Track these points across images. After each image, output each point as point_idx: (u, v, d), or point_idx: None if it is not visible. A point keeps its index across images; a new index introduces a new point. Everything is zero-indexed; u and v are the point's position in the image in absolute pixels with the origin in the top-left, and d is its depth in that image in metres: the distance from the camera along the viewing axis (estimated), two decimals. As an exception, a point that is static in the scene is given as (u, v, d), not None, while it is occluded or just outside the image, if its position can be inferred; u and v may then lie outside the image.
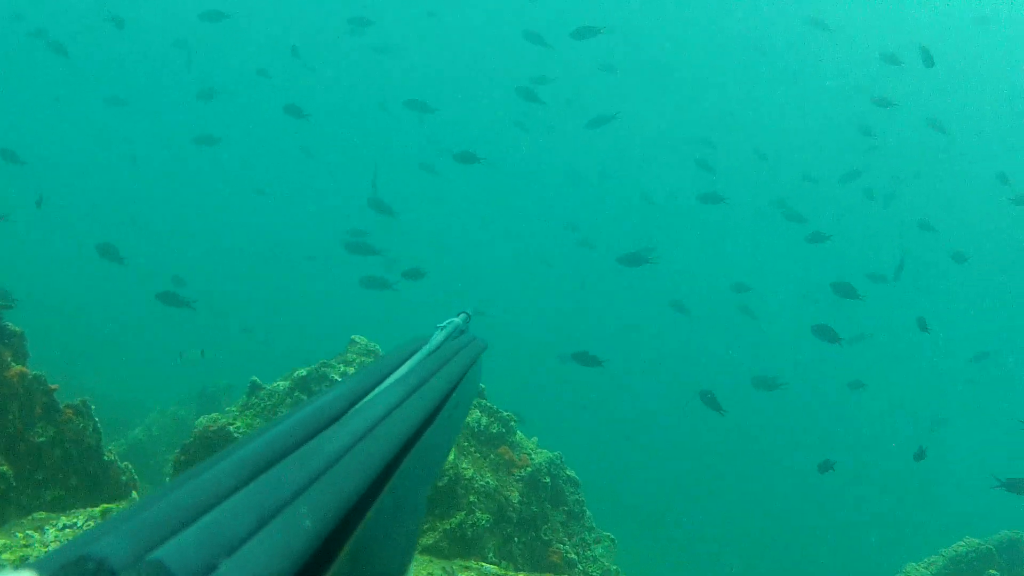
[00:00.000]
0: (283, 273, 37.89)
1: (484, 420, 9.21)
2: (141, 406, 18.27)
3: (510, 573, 6.42)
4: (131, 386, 20.31)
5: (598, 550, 9.21)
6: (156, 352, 21.61)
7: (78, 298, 29.50)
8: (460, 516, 7.70)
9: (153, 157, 39.62)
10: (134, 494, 6.94)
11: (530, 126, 33.49)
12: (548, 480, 8.67)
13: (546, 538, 8.54)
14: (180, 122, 34.60)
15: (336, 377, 8.89)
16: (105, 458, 7.02)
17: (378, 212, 17.66)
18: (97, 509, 5.61)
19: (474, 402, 9.40)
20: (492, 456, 8.63)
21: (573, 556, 8.59)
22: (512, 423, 9.00)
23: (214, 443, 8.54)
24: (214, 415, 8.93)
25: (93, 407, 7.02)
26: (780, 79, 46.62)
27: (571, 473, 9.35)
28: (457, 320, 1.63)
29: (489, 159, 15.76)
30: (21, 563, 0.77)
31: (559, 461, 9.07)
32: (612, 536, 9.67)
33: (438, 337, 1.44)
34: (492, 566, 6.64)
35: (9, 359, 6.41)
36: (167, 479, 8.51)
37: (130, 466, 7.56)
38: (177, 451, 8.64)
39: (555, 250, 37.56)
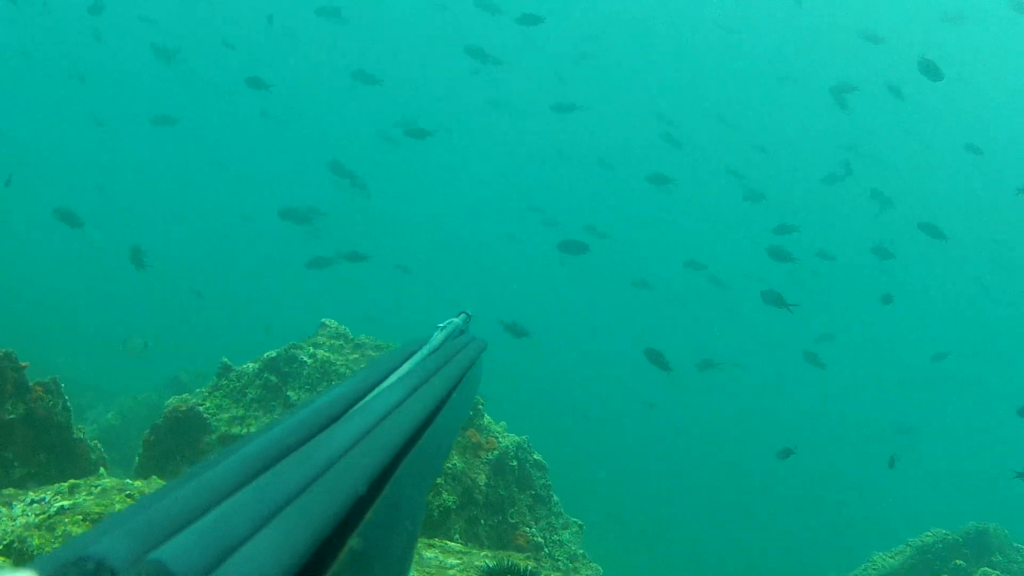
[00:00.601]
0: (251, 254, 37.87)
1: (456, 404, 9.37)
2: (113, 392, 18.33)
3: (474, 550, 6.60)
4: (103, 373, 20.33)
5: (565, 535, 9.34)
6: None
7: (46, 282, 29.38)
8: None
9: (117, 132, 39.31)
10: (102, 470, 7.07)
11: (499, 105, 33.58)
12: (515, 463, 8.74)
13: (513, 521, 8.63)
14: (143, 96, 34.57)
15: (306, 359, 9.00)
16: (75, 436, 7.06)
17: (338, 176, 17.86)
18: (65, 484, 5.66)
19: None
20: (459, 438, 8.77)
21: (540, 540, 8.69)
22: (480, 406, 9.13)
23: (184, 423, 8.66)
24: (184, 396, 9.03)
25: (63, 385, 7.13)
26: (752, 61, 46.69)
27: (538, 457, 9.41)
28: (457, 320, 1.65)
29: (447, 134, 15.86)
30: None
31: (526, 445, 9.17)
32: (580, 522, 9.83)
33: (438, 337, 1.45)
34: (456, 544, 6.82)
35: (-23, 338, 6.51)
36: (136, 459, 8.65)
37: (99, 445, 7.68)
38: (147, 431, 8.78)
39: (520, 228, 37.56)
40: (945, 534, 12.75)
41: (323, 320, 10.06)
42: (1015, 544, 12.75)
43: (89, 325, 26.52)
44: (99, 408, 17.37)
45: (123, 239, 24.40)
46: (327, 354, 9.17)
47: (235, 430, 8.63)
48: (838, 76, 24.17)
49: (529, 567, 6.34)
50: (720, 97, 41.51)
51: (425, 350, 1.33)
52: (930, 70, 15.35)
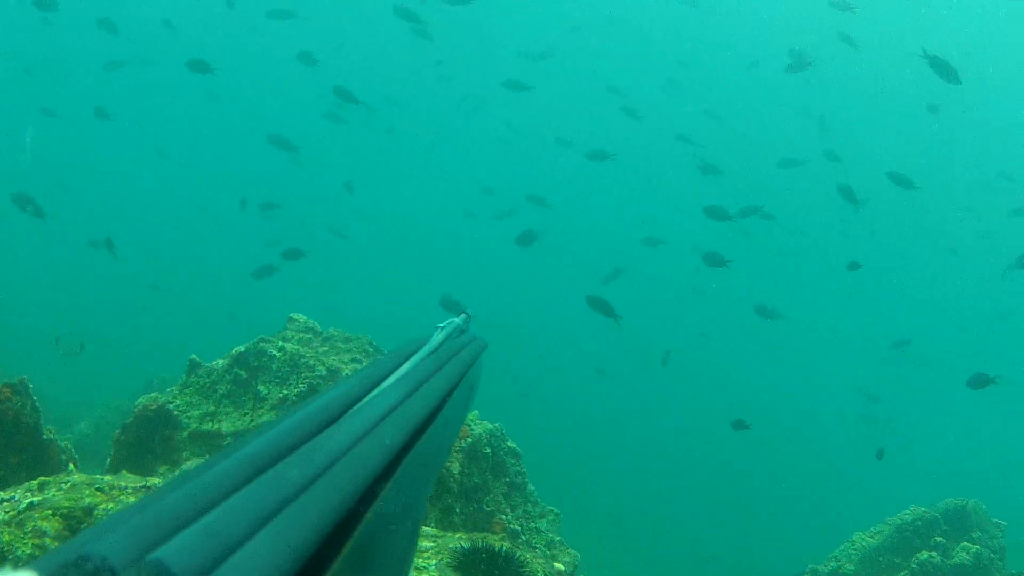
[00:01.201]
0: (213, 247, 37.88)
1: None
2: (88, 405, 18.27)
3: (448, 533, 6.68)
4: (77, 387, 20.25)
5: (543, 524, 9.40)
6: (101, 350, 21.60)
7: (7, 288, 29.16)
8: (400, 487, 7.89)
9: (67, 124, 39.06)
10: (72, 467, 7.12)
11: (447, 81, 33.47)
12: (489, 451, 8.74)
13: (488, 509, 8.66)
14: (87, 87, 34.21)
15: (275, 352, 9.03)
16: (44, 437, 7.11)
17: (279, 149, 17.83)
18: (34, 482, 5.71)
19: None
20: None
21: (516, 527, 8.71)
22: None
23: (154, 421, 8.67)
24: (154, 394, 9.01)
25: (30, 384, 7.16)
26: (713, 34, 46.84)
27: (512, 445, 9.43)
28: (457, 320, 1.66)
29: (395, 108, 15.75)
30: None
31: (499, 433, 9.19)
32: (556, 510, 9.91)
33: (438, 337, 1.46)
34: (431, 528, 6.90)
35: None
36: (108, 460, 8.69)
37: (70, 446, 7.74)
38: (117, 431, 8.80)
39: (476, 206, 37.70)
40: (924, 512, 12.86)
41: (291, 315, 10.12)
42: (994, 520, 12.91)
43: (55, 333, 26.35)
44: (76, 421, 17.33)
45: (80, 235, 24.28)
46: (296, 347, 9.20)
47: (206, 427, 8.67)
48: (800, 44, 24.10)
49: (504, 547, 6.42)
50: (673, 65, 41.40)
51: (425, 350, 1.34)
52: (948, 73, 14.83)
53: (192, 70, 17.78)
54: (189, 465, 8.17)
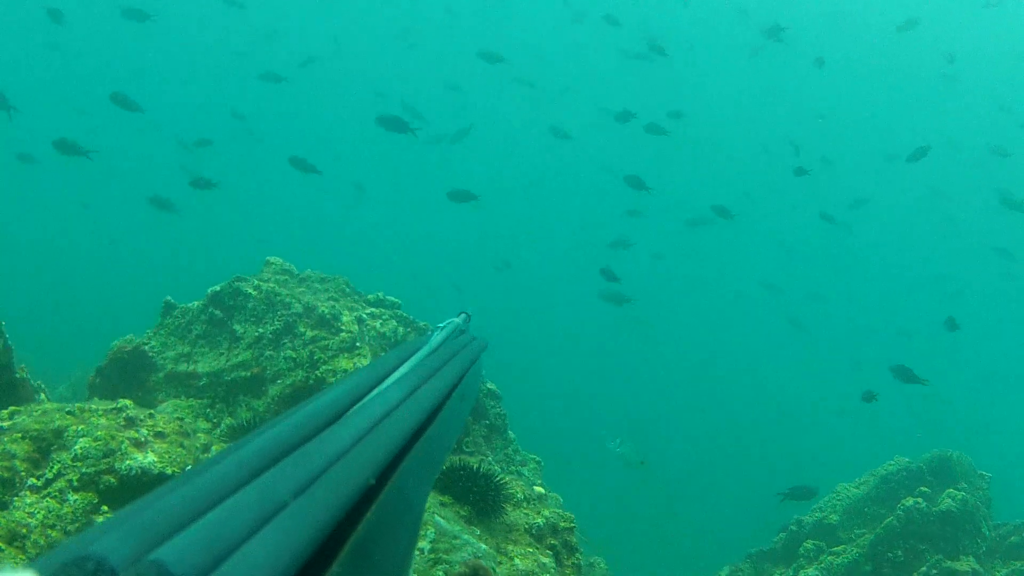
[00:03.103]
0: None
1: (401, 330, 9.49)
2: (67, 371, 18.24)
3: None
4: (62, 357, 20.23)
5: (524, 471, 9.49)
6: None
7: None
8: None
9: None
10: (43, 396, 7.17)
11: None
12: None
13: (468, 451, 8.76)
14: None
15: (250, 291, 9.02)
16: (17, 375, 7.14)
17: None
18: (5, 411, 5.78)
19: (385, 312, 9.70)
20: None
21: (496, 469, 8.90)
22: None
23: (129, 364, 8.68)
24: (129, 336, 9.02)
25: (3, 323, 7.16)
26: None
27: (492, 387, 9.52)
28: (457, 320, 1.68)
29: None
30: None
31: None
32: (538, 458, 10.01)
33: (438, 337, 1.48)
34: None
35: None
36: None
37: (43, 384, 7.78)
38: (92, 374, 8.81)
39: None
40: (908, 462, 12.99)
41: (268, 258, 10.12)
42: (979, 471, 13.03)
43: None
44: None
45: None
46: (273, 286, 9.21)
47: (182, 367, 8.68)
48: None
49: (483, 466, 6.51)
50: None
51: (425, 350, 1.35)
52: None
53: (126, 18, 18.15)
54: (165, 406, 8.21)
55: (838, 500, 13.30)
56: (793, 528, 13.42)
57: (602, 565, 13.02)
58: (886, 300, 42.76)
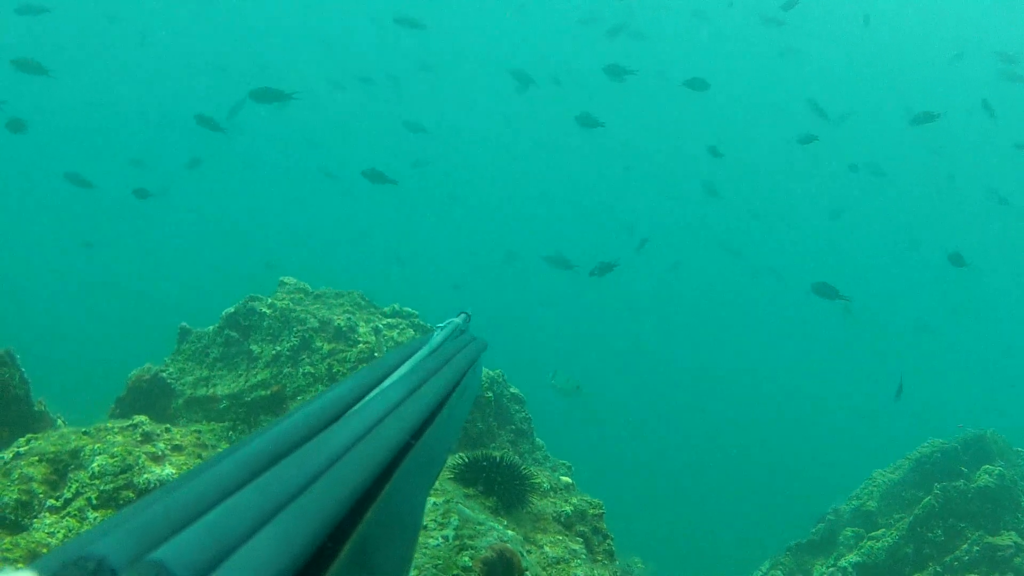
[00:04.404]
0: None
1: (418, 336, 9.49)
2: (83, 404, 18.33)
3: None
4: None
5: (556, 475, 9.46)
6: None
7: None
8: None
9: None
10: (59, 422, 7.17)
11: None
12: (491, 396, 8.74)
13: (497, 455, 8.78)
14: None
15: (265, 310, 9.07)
16: (35, 408, 7.15)
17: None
18: (23, 439, 5.77)
19: (403, 322, 9.70)
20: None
21: (519, 460, 8.84)
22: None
23: (148, 392, 8.69)
24: (147, 365, 9.04)
25: (18, 356, 7.16)
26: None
27: (515, 391, 9.49)
28: (457, 320, 1.70)
29: None
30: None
31: (501, 379, 9.17)
32: (568, 463, 9.92)
33: (438, 337, 1.49)
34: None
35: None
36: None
37: (62, 417, 7.78)
38: (112, 406, 8.81)
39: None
40: (942, 443, 12.91)
41: (281, 278, 10.15)
42: (1016, 448, 12.94)
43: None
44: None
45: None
46: (287, 303, 9.24)
47: (201, 391, 8.69)
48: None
49: (506, 457, 6.47)
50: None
51: (424, 350, 1.36)
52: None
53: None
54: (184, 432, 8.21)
55: (874, 486, 13.23)
56: (831, 517, 13.35)
57: (640, 565, 12.99)
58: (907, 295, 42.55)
